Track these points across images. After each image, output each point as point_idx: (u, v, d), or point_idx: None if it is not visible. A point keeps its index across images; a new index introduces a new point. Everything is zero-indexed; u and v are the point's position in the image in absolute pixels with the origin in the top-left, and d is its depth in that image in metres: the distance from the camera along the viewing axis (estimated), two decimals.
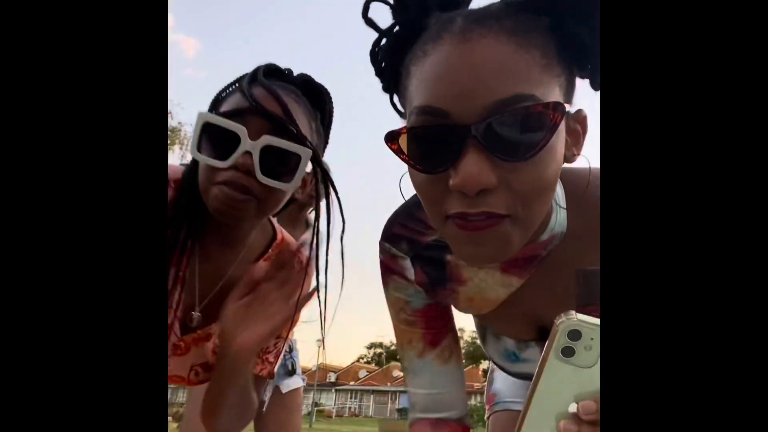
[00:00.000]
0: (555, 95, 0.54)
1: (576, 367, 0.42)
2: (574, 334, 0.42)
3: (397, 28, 0.62)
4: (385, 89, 0.66)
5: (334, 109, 0.86)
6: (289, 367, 1.81)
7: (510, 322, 0.79)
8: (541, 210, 0.56)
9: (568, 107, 0.55)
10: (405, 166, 0.58)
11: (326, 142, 0.87)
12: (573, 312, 0.42)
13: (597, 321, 0.41)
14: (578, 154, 0.60)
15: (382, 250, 0.78)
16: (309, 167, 0.79)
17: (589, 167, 0.65)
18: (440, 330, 0.81)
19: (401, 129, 0.56)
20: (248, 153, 0.70)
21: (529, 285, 0.72)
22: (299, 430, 1.76)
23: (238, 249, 0.86)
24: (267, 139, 0.71)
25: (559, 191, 0.68)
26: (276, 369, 0.94)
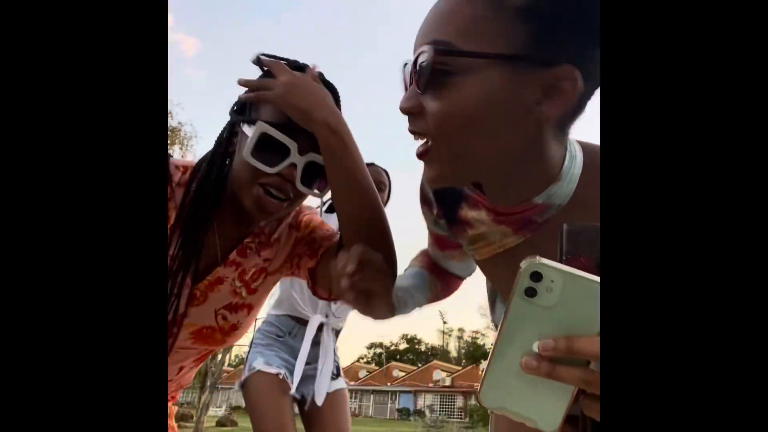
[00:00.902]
0: (480, 43, 0.60)
1: (538, 307, 0.44)
2: (536, 276, 0.44)
3: None
4: None
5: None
6: (334, 372, 1.96)
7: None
8: (463, 141, 0.64)
9: (506, 54, 0.61)
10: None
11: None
12: (537, 256, 0.44)
13: (559, 265, 0.44)
14: (556, 111, 0.63)
15: (420, 185, 0.92)
16: None
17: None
18: (451, 245, 0.99)
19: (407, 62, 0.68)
20: (294, 165, 0.82)
21: (531, 247, 0.74)
22: (349, 426, 1.93)
23: (252, 228, 0.96)
24: (311, 156, 0.83)
25: (573, 167, 0.71)
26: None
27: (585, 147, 0.74)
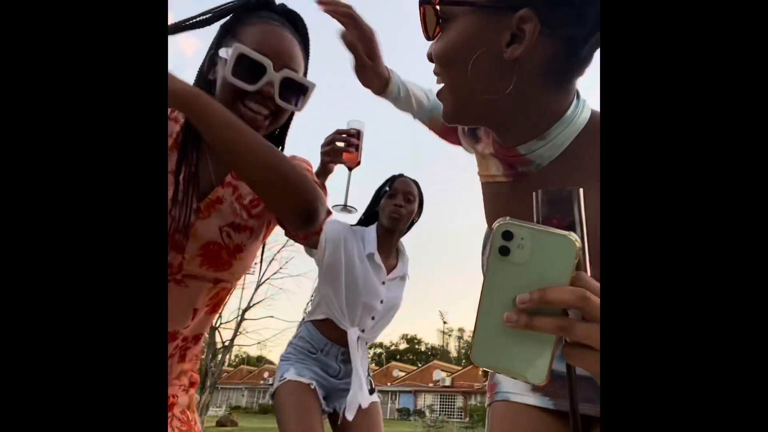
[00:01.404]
0: None
1: (513, 264, 0.47)
2: (507, 235, 0.47)
3: None
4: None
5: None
6: (369, 387, 1.98)
7: None
8: (456, 80, 0.73)
9: (478, 2, 0.70)
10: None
11: (307, 62, 1.08)
12: (507, 217, 0.48)
13: (528, 223, 0.47)
14: (517, 52, 0.69)
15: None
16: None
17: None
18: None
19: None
20: (271, 82, 0.91)
21: (521, 202, 0.77)
22: None
23: None
24: (286, 72, 0.92)
25: (562, 132, 0.75)
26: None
27: (596, 114, 0.77)
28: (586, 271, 0.49)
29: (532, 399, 0.90)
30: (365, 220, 2.10)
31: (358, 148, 1.50)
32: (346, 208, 1.57)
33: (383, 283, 2.01)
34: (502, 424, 0.95)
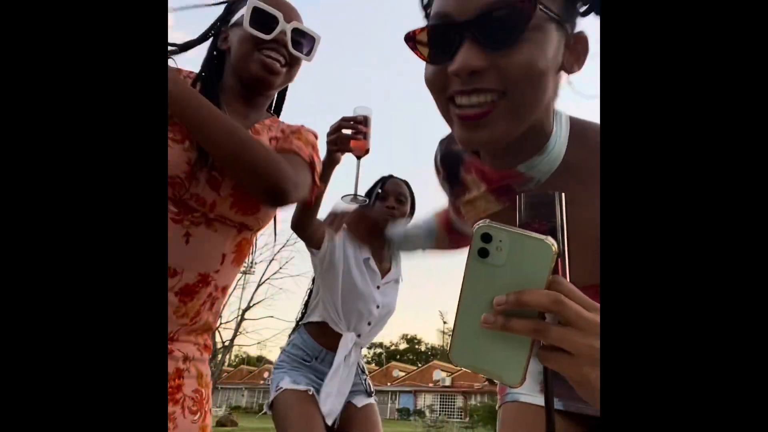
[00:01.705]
0: (543, 2, 0.64)
1: (491, 266, 0.48)
2: (486, 237, 0.48)
3: None
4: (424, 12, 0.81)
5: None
6: (364, 389, 1.98)
7: None
8: (530, 97, 0.66)
9: (558, 19, 0.66)
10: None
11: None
12: (486, 219, 0.48)
13: (507, 226, 0.47)
14: (578, 69, 0.70)
15: (436, 151, 0.97)
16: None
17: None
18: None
19: (416, 30, 0.69)
20: (284, 31, 1.02)
21: (512, 212, 0.76)
22: None
23: (260, 112, 1.11)
24: (295, 24, 1.04)
25: (558, 143, 0.74)
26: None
27: (573, 122, 0.77)
28: (564, 275, 0.49)
29: (542, 399, 0.90)
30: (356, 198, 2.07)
31: (366, 135, 1.45)
32: (356, 198, 1.52)
33: (378, 287, 2.00)
34: (513, 424, 0.95)
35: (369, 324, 1.97)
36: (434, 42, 0.68)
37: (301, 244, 1.94)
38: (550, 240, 0.46)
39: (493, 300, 0.47)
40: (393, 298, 2.07)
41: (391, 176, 2.06)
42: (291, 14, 1.05)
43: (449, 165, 0.91)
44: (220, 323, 17.64)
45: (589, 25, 0.71)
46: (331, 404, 1.82)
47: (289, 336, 2.04)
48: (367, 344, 2.09)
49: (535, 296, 0.46)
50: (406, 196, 2.00)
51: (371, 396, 2.00)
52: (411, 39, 0.69)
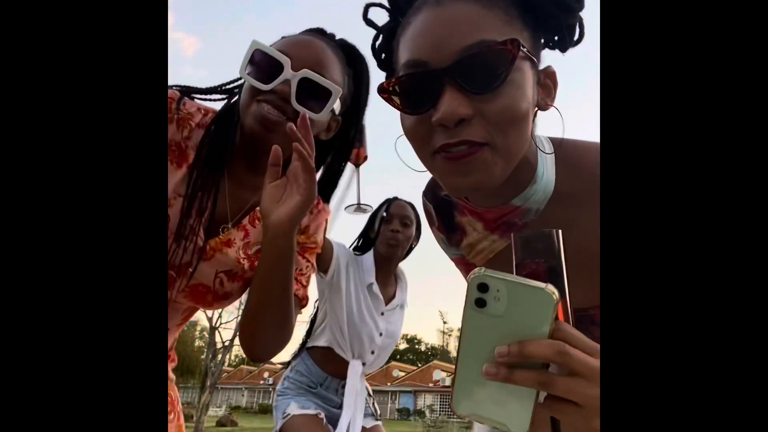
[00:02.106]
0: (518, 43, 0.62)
1: (490, 316, 0.46)
2: (483, 287, 0.46)
3: (391, 23, 0.73)
4: (382, 69, 0.78)
5: None
6: (371, 412, 1.99)
7: None
8: (517, 141, 0.63)
9: (533, 58, 0.65)
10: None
11: (363, 104, 1.02)
12: (482, 267, 0.47)
13: (504, 274, 0.46)
14: (551, 104, 0.69)
15: (423, 202, 0.92)
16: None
17: (599, 141, 0.71)
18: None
19: (390, 80, 0.66)
20: (288, 81, 0.85)
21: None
22: None
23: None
24: (305, 73, 0.85)
25: (546, 169, 0.72)
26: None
27: (555, 143, 0.75)
28: (567, 318, 0.47)
29: None
30: (360, 247, 2.03)
31: (362, 142, 1.41)
32: (360, 207, 1.50)
33: (382, 314, 1.96)
34: None
35: (372, 353, 1.94)
36: (411, 91, 0.64)
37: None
38: (550, 288, 0.44)
39: (495, 351, 0.45)
40: (397, 325, 2.03)
41: (395, 198, 2.03)
42: (308, 61, 0.86)
43: (442, 212, 0.87)
44: (220, 323, 17.63)
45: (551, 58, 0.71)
46: (340, 424, 1.79)
47: (290, 361, 2.01)
48: (373, 370, 2.07)
49: (538, 347, 0.44)
50: (411, 219, 1.97)
51: (378, 420, 2.00)
52: (385, 90, 0.66)
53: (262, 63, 0.85)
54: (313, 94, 0.86)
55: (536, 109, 0.67)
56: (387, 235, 1.93)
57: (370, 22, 0.75)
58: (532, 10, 0.65)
